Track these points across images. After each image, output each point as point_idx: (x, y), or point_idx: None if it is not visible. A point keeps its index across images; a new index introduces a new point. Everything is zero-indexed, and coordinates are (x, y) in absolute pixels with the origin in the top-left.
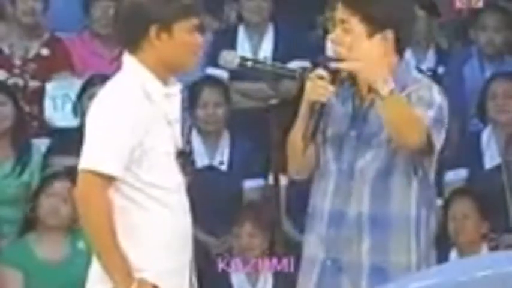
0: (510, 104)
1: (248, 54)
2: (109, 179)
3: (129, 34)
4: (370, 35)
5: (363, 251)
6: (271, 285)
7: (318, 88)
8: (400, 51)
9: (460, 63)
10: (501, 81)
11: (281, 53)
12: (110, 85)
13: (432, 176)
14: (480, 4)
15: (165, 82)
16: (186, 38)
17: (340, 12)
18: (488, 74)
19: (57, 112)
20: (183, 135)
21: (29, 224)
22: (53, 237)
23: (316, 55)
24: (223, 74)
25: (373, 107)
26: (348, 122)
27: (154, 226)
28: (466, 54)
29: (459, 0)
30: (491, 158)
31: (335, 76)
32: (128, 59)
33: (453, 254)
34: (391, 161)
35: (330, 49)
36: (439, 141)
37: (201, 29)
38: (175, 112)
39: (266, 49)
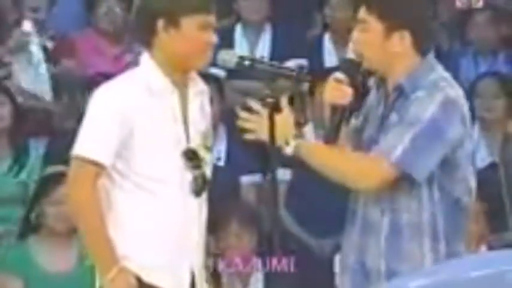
0: (497, 103)
1: (246, 53)
2: (99, 166)
3: (140, 29)
4: (388, 33)
5: (379, 255)
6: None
7: (335, 91)
8: (422, 51)
9: (457, 60)
10: (489, 81)
11: (279, 52)
12: (116, 78)
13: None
14: (480, 4)
15: (179, 79)
16: (194, 34)
17: (361, 12)
18: (482, 69)
19: None
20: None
21: (30, 229)
22: (56, 244)
23: (314, 54)
24: (221, 73)
25: (393, 109)
26: (378, 125)
27: (142, 216)
28: (462, 51)
29: (459, 0)
30: (481, 159)
31: (354, 79)
32: (143, 54)
33: None
34: None
35: (350, 51)
36: (430, 159)
37: (213, 27)
38: (191, 111)
39: (264, 48)
